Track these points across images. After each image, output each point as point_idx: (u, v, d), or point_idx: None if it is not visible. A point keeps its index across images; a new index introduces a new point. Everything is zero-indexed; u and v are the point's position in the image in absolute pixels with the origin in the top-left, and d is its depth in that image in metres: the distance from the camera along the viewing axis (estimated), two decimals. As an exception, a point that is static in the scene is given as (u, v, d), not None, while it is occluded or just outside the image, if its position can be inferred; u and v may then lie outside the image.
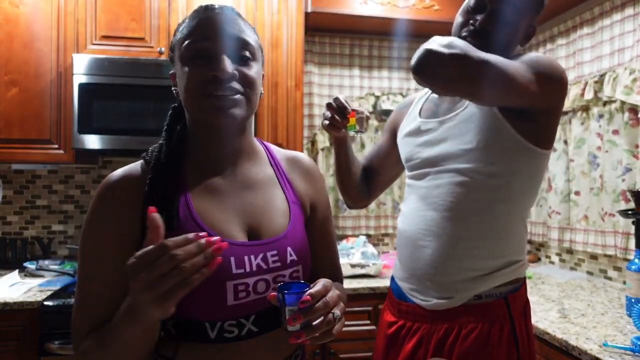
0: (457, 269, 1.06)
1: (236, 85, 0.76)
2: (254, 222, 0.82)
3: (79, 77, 2.03)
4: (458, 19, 1.11)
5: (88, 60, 2.04)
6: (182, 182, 0.80)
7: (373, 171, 1.40)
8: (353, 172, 1.35)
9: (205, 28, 0.76)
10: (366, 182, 1.40)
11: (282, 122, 2.34)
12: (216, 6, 0.79)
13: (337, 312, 0.73)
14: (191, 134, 0.84)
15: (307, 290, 0.71)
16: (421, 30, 2.54)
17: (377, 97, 2.77)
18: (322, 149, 2.70)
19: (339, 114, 1.21)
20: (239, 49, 0.77)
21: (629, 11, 1.95)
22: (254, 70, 0.79)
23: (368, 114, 1.25)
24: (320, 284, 0.73)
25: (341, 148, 1.31)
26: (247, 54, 0.78)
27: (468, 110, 1.08)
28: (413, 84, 2.80)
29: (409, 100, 1.34)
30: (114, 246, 0.74)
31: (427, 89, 1.26)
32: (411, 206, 1.17)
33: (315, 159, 2.72)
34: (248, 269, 0.77)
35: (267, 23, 2.29)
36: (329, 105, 1.22)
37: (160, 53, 2.16)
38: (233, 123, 0.78)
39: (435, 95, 1.21)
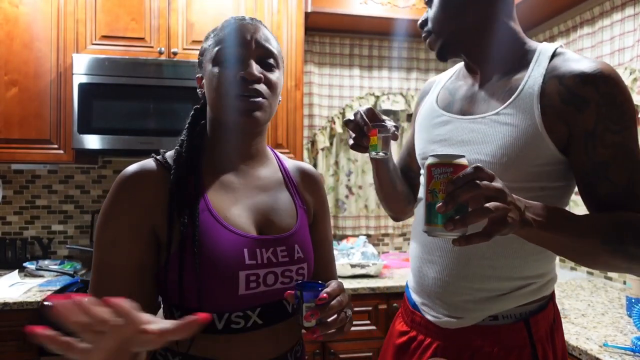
0: (468, 289, 0.93)
1: (261, 87, 0.82)
2: (264, 218, 0.87)
3: (79, 77, 2.03)
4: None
5: (88, 60, 2.04)
6: (199, 177, 0.85)
7: (411, 172, 1.21)
8: (398, 188, 1.14)
9: (236, 35, 0.84)
10: (410, 187, 1.21)
11: (282, 122, 2.34)
12: (246, 18, 0.87)
13: (349, 311, 0.80)
14: (210, 133, 0.89)
15: (323, 289, 0.76)
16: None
17: (377, 97, 2.77)
18: (322, 149, 2.69)
19: (358, 130, 0.99)
20: (265, 56, 0.85)
21: (629, 11, 1.95)
22: (276, 76, 0.86)
23: (396, 131, 1.00)
24: (335, 283, 0.79)
25: (378, 167, 1.10)
26: (272, 61, 0.86)
27: (495, 117, 0.91)
28: (413, 83, 2.80)
29: (429, 84, 1.18)
30: (131, 236, 0.77)
31: (448, 73, 1.13)
32: (421, 213, 1.04)
33: (315, 159, 2.72)
34: (259, 261, 0.81)
35: (267, 23, 2.28)
36: (347, 122, 1.01)
37: (160, 53, 2.16)
38: (254, 125, 0.83)
39: (452, 84, 1.08)
